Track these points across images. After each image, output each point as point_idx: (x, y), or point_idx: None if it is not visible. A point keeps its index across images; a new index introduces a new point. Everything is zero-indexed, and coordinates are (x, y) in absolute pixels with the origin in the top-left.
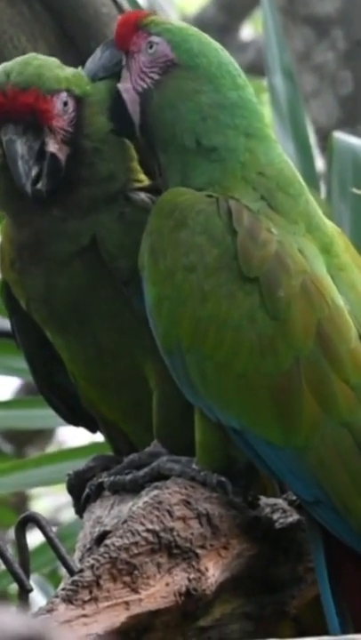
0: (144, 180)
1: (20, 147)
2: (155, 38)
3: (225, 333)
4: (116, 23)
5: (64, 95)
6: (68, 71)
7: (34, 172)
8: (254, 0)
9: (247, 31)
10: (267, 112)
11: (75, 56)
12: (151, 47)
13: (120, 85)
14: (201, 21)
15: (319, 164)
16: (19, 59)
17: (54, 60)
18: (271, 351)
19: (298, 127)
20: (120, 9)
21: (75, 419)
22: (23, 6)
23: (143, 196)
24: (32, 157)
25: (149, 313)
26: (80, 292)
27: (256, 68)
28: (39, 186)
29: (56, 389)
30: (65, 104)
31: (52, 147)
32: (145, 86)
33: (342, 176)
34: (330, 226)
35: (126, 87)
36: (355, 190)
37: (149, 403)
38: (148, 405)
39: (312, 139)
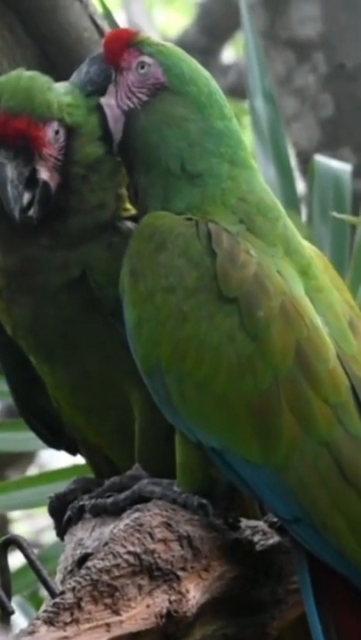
0: (130, 208)
1: (10, 171)
2: (147, 59)
3: (204, 353)
4: (107, 37)
5: (55, 124)
6: (60, 93)
7: (25, 199)
8: (235, 23)
9: (228, 54)
10: (248, 135)
11: (57, 80)
12: (142, 67)
13: (103, 100)
14: (182, 44)
15: (300, 187)
16: (7, 76)
17: (45, 80)
18: (250, 371)
19: (279, 150)
20: (102, 34)
21: (56, 442)
22: (4, 30)
23: (130, 224)
24: (22, 183)
25: (129, 335)
26: (68, 322)
27: (237, 91)
28: (30, 213)
29: (37, 412)
30: (56, 132)
31: (44, 174)
32: (131, 105)
33: (323, 199)
34: (308, 248)
35: (110, 103)
36: (335, 214)
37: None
38: (133, 430)
39: (293, 162)
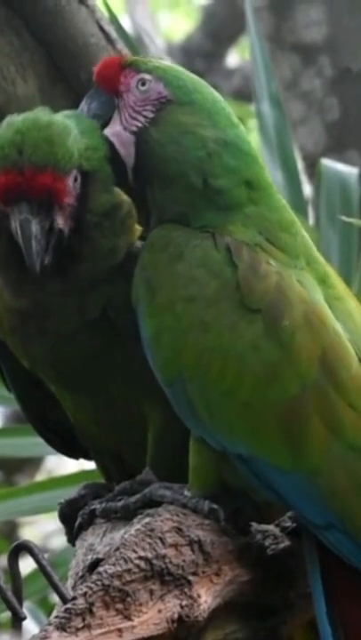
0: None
1: (35, 227)
2: (145, 75)
3: (229, 363)
4: (98, 68)
5: (75, 172)
6: (77, 135)
7: (45, 251)
8: (240, 27)
9: (233, 58)
10: (255, 139)
11: (64, 86)
12: (143, 84)
13: (108, 130)
14: (187, 48)
15: (307, 190)
16: (25, 122)
17: (63, 125)
18: (277, 379)
19: (286, 154)
20: (108, 39)
21: (71, 450)
22: (12, 35)
23: (139, 244)
24: (44, 236)
25: (147, 345)
26: (89, 356)
27: (242, 95)
28: (45, 262)
29: (50, 425)
30: (75, 180)
31: (61, 223)
32: (139, 125)
33: (330, 202)
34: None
35: (116, 131)
36: (343, 217)
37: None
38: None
39: (300, 165)
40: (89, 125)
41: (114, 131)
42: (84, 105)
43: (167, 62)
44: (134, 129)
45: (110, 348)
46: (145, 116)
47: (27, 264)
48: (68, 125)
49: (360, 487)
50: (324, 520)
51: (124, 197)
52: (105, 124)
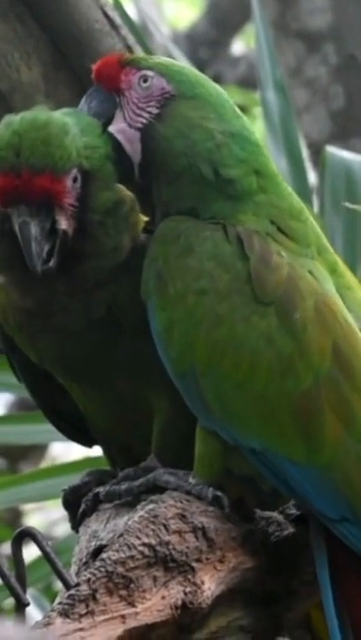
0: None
1: (34, 229)
2: (147, 72)
3: (242, 355)
4: (97, 66)
5: (75, 172)
6: (77, 134)
7: (45, 251)
8: (245, 15)
9: (238, 45)
10: (259, 126)
11: (68, 72)
12: (146, 81)
13: (112, 128)
14: (192, 36)
15: (312, 178)
16: (22, 123)
17: (61, 123)
18: (291, 371)
19: (290, 141)
20: (113, 24)
21: (83, 439)
22: (16, 23)
23: (143, 237)
24: (44, 237)
25: (158, 338)
26: (96, 352)
27: (247, 82)
28: (51, 264)
29: (61, 414)
30: (75, 180)
31: (64, 224)
32: (144, 121)
33: (335, 190)
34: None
35: (120, 127)
36: (347, 204)
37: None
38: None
39: (304, 153)
40: (89, 123)
41: (118, 128)
42: (83, 104)
43: (167, 58)
44: (139, 125)
45: (115, 344)
46: (149, 112)
47: (28, 265)
48: (67, 124)
49: None
50: (338, 513)
51: (127, 193)
52: (106, 123)
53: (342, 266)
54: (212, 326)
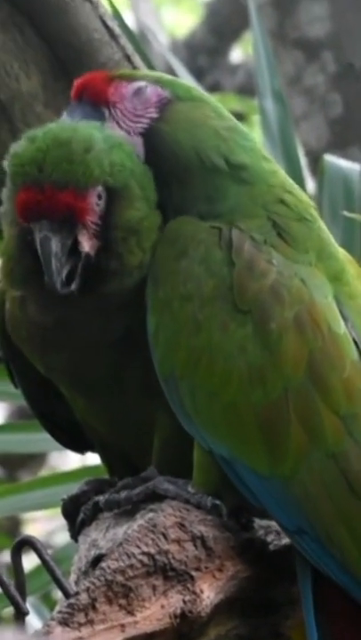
0: None
1: (55, 244)
2: (140, 83)
3: (216, 363)
4: (82, 82)
5: (99, 189)
6: (102, 150)
7: (65, 270)
8: (244, 23)
9: (237, 53)
10: (257, 134)
11: (67, 81)
12: (139, 90)
13: None
14: (191, 44)
15: (310, 186)
16: (45, 137)
17: (85, 138)
18: (260, 381)
19: (289, 150)
20: (112, 34)
21: (77, 446)
22: (15, 32)
23: None
24: (65, 254)
25: (150, 342)
26: (106, 369)
27: (246, 90)
28: (72, 287)
29: (56, 420)
30: (99, 197)
31: (86, 245)
32: (145, 125)
33: (333, 199)
34: (342, 253)
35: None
36: (346, 213)
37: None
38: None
39: (303, 161)
40: (114, 139)
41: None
42: (65, 118)
43: (157, 72)
44: (141, 130)
45: (128, 363)
46: (149, 117)
47: (47, 282)
48: (92, 139)
49: (334, 496)
50: (296, 525)
51: (152, 210)
52: None
53: (351, 275)
54: (192, 332)
